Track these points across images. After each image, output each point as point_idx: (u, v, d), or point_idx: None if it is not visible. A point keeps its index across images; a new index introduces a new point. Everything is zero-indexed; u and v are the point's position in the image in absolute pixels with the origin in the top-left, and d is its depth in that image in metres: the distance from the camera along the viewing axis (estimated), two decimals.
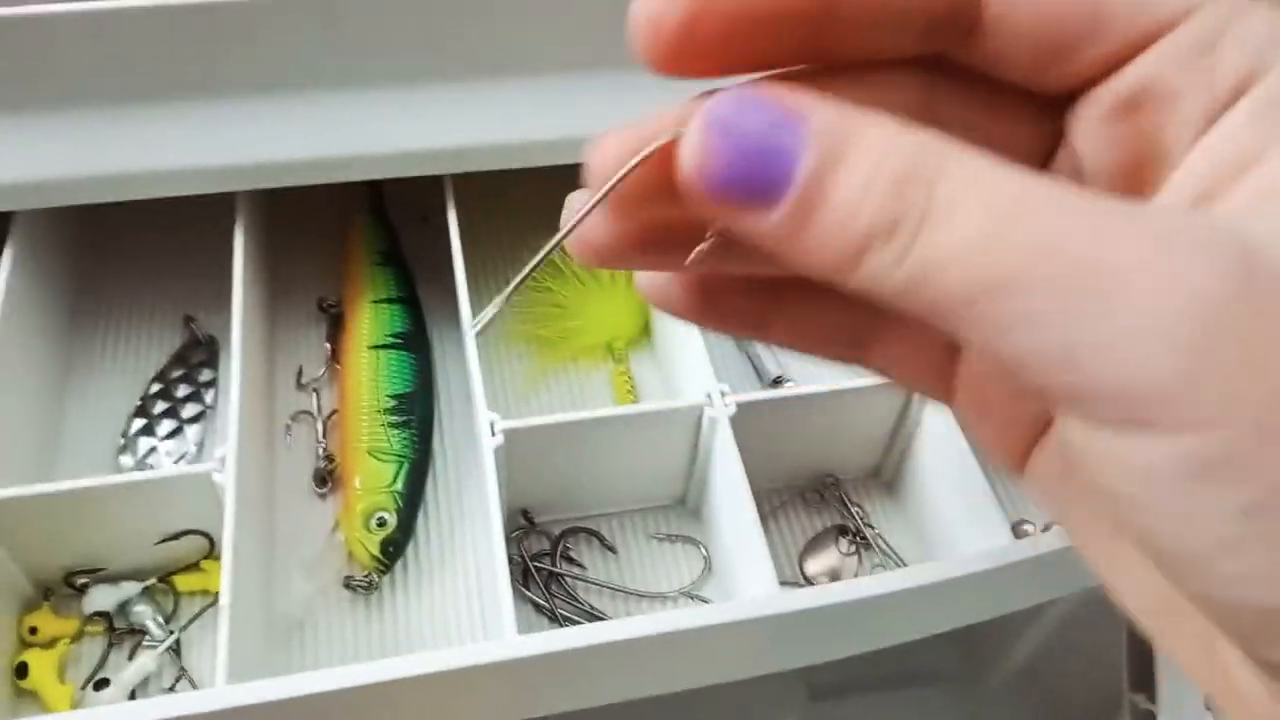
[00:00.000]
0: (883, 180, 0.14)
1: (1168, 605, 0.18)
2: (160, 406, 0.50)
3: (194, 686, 0.42)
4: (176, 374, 0.51)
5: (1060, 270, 0.14)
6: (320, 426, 0.49)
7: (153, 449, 0.48)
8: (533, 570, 0.45)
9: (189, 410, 0.50)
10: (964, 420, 0.22)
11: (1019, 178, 0.14)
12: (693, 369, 0.46)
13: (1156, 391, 0.14)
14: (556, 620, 0.44)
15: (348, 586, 0.44)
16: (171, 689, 0.42)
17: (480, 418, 0.42)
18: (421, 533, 0.46)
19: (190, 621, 0.43)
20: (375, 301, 0.51)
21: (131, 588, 0.44)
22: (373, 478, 0.45)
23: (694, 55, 0.16)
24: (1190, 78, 0.16)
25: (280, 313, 0.54)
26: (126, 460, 0.48)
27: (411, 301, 0.51)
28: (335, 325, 0.52)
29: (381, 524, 0.44)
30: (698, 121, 0.15)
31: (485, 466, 0.41)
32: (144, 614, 0.43)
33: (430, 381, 0.49)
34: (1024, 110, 0.19)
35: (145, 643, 0.43)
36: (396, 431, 0.46)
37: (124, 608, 0.43)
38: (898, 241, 0.14)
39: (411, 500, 0.45)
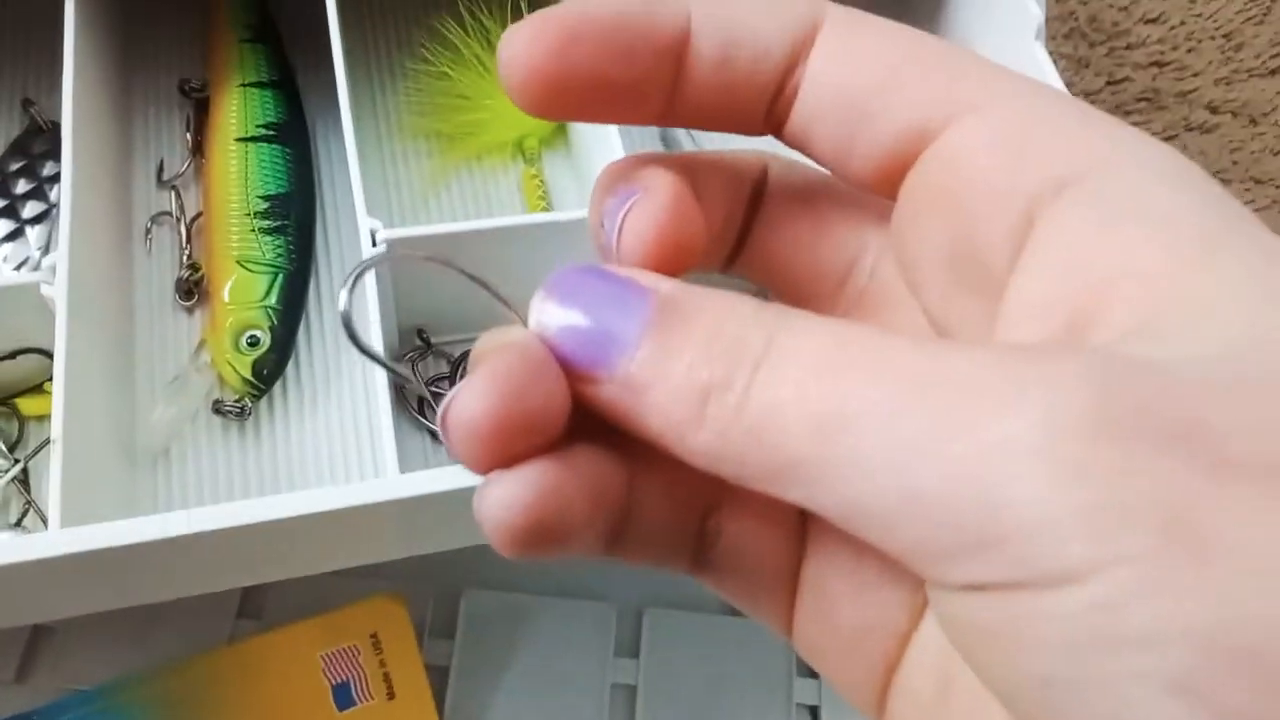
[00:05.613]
0: (724, 336, 0.14)
1: None
2: None
3: (44, 521, 0.37)
4: (15, 166, 0.44)
5: (892, 389, 0.13)
6: (184, 231, 0.43)
7: None
8: (429, 397, 0.41)
9: (30, 209, 0.43)
10: (808, 647, 0.18)
11: (858, 325, 0.14)
12: None
13: (1049, 530, 0.11)
14: None
15: (218, 412, 0.39)
16: (18, 524, 0.37)
17: (361, 225, 0.37)
18: (303, 352, 0.41)
19: (38, 449, 0.38)
20: (244, 85, 0.43)
21: None
22: (243, 291, 0.40)
23: (560, 105, 0.17)
24: (995, 162, 0.15)
25: (136, 95, 0.46)
26: None
27: (286, 85, 0.44)
28: (200, 112, 0.45)
29: (254, 343, 0.39)
30: (539, 294, 0.17)
31: (366, 280, 0.36)
32: None
33: (309, 180, 0.43)
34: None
35: None
36: (270, 238, 0.40)
37: None
38: (735, 387, 0.14)
39: (288, 317, 0.40)
